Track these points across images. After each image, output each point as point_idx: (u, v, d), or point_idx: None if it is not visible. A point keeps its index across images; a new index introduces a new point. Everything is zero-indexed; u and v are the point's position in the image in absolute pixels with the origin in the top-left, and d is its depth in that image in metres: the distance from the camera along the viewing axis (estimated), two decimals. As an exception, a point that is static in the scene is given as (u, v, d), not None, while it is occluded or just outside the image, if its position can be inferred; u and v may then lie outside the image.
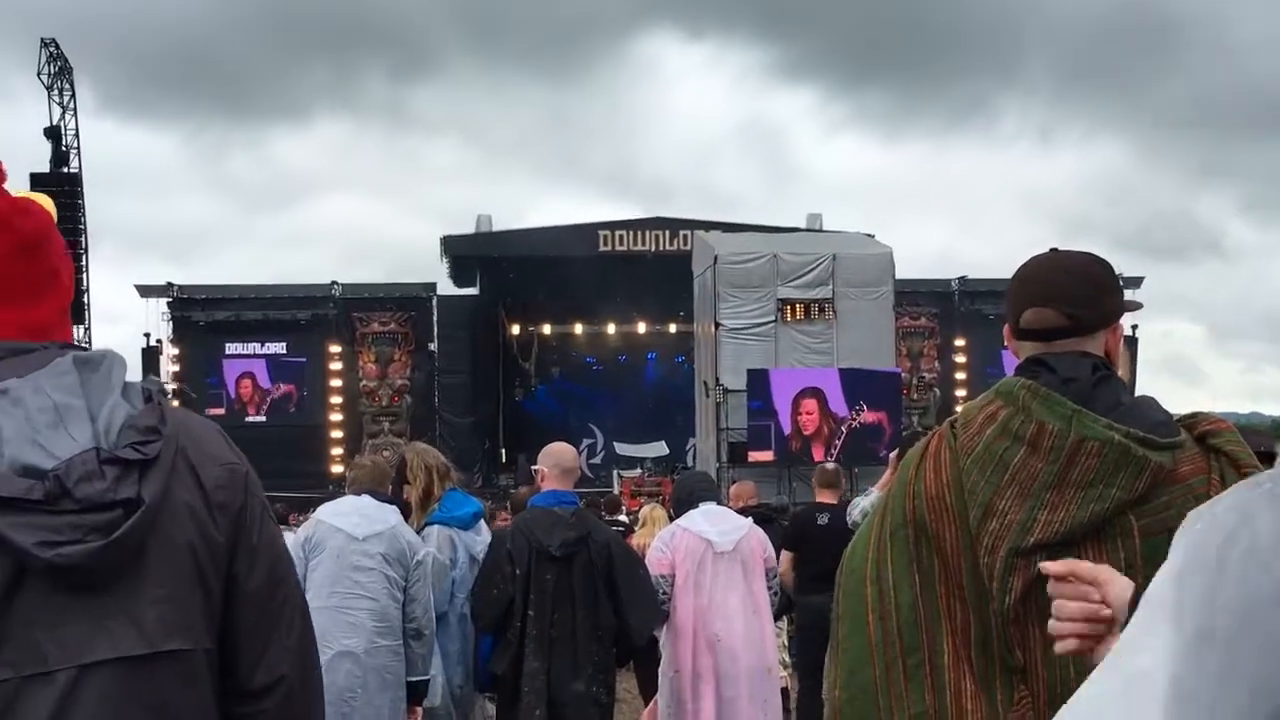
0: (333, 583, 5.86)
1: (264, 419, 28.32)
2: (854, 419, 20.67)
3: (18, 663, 1.61)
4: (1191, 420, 2.27)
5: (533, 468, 6.26)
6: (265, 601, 1.84)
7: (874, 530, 2.40)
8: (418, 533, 6.12)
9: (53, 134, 27.23)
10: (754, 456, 20.79)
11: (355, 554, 5.90)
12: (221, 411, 28.02)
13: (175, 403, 1.91)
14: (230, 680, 1.82)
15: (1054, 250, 2.48)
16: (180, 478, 1.75)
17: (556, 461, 5.93)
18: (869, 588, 2.35)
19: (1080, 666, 2.16)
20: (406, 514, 6.22)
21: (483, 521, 6.65)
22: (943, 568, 2.27)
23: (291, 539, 6.57)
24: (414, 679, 6.07)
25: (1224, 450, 2.20)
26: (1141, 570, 2.13)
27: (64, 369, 1.74)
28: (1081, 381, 2.26)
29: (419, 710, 6.13)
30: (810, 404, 20.93)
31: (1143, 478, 2.13)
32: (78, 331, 28.05)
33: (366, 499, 6.14)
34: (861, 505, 6.48)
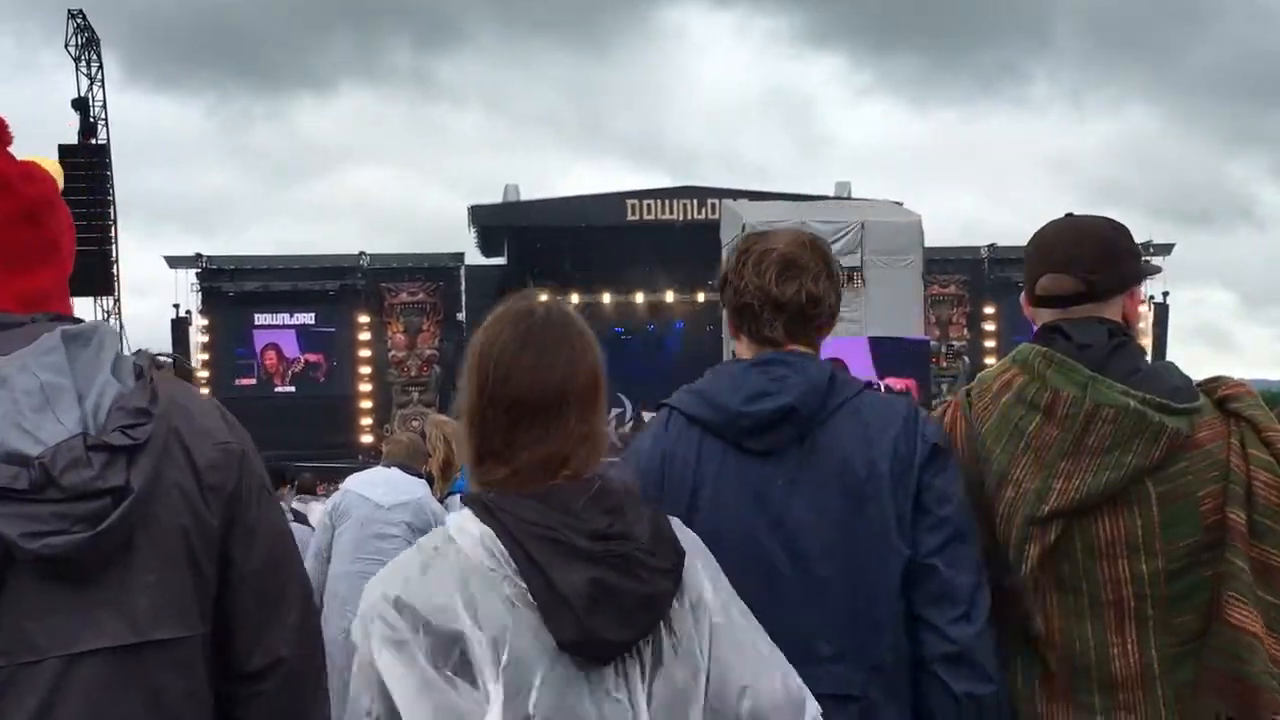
0: (356, 549, 5.94)
1: (293, 389, 28.39)
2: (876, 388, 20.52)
3: (10, 651, 1.59)
4: (1212, 385, 2.24)
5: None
6: (262, 583, 1.80)
7: None
8: (441, 502, 6.13)
9: (80, 105, 27.26)
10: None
11: (379, 522, 5.96)
12: (252, 381, 28.14)
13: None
14: (228, 661, 1.78)
15: (1070, 215, 2.45)
16: (172, 459, 1.70)
17: None
18: None
19: (1099, 635, 2.14)
20: (431, 485, 6.24)
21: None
22: None
23: (320, 508, 6.59)
24: None
25: (1244, 415, 2.18)
26: (1159, 537, 2.11)
27: (50, 345, 1.68)
28: (1097, 347, 2.24)
29: None
30: (829, 377, 20.77)
31: (1159, 444, 2.11)
32: (106, 302, 28.16)
33: (396, 471, 6.18)
34: None
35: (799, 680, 1.91)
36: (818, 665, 2.16)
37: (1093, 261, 2.34)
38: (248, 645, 1.79)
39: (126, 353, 1.80)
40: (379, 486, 6.10)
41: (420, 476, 6.31)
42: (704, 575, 1.91)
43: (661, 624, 1.84)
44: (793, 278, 2.45)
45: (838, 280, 2.52)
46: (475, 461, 1.95)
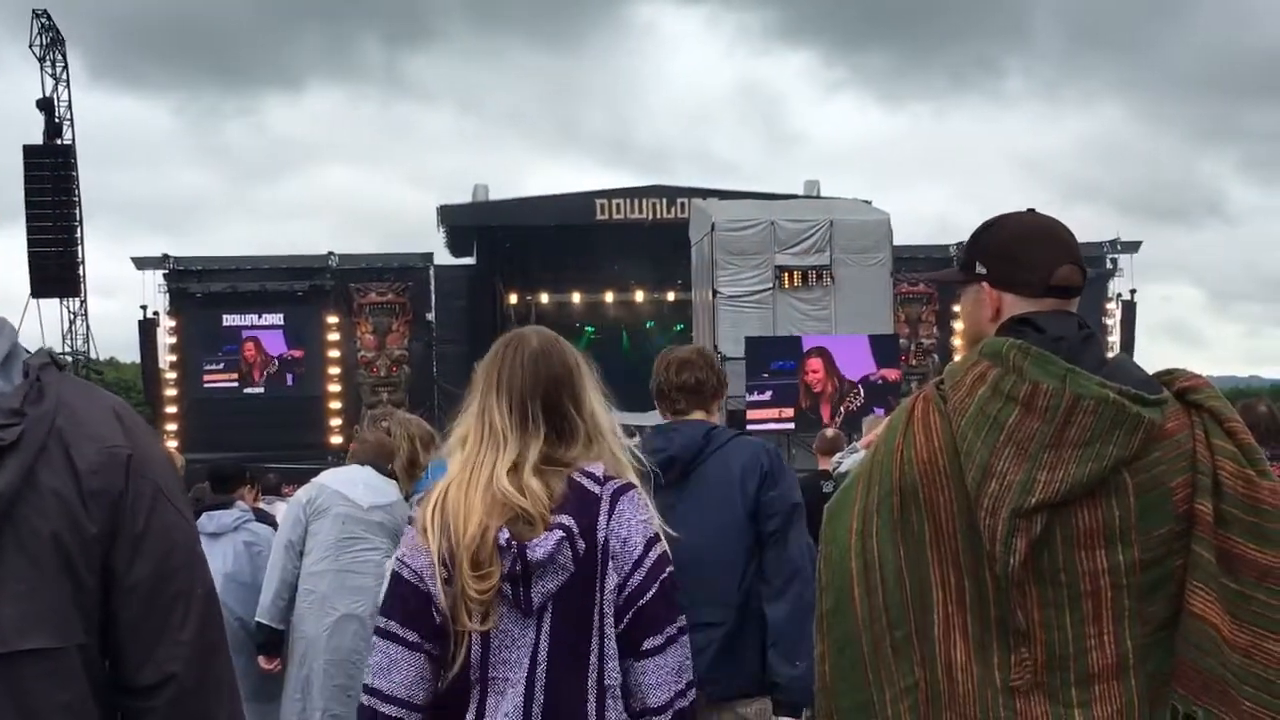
0: (337, 547, 5.95)
1: (261, 390, 28.23)
2: (877, 379, 20.73)
3: None
4: (1168, 377, 2.27)
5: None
6: (151, 596, 1.72)
7: (858, 500, 2.37)
8: (405, 500, 6.12)
9: (45, 106, 27.06)
10: (754, 415, 20.58)
11: (358, 522, 5.99)
12: (235, 378, 27.96)
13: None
14: (116, 674, 1.71)
15: (1032, 210, 2.46)
16: (50, 462, 1.63)
17: None
18: (854, 561, 2.34)
19: (1078, 627, 2.14)
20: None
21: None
22: (935, 533, 2.25)
23: (284, 503, 6.52)
24: None
25: (1205, 405, 2.21)
26: (1136, 527, 2.12)
27: None
28: (1070, 340, 2.26)
29: None
30: (815, 363, 20.92)
31: (1138, 434, 2.13)
32: (72, 303, 27.97)
33: (370, 471, 6.17)
34: (846, 463, 6.47)
35: None
36: (700, 605, 3.76)
37: (1080, 256, 2.40)
38: (137, 659, 1.71)
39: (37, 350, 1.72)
40: (357, 486, 6.07)
41: (392, 476, 6.28)
42: None
43: None
44: (685, 371, 4.38)
45: (719, 371, 4.49)
46: None
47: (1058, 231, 2.41)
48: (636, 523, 2.70)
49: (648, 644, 2.68)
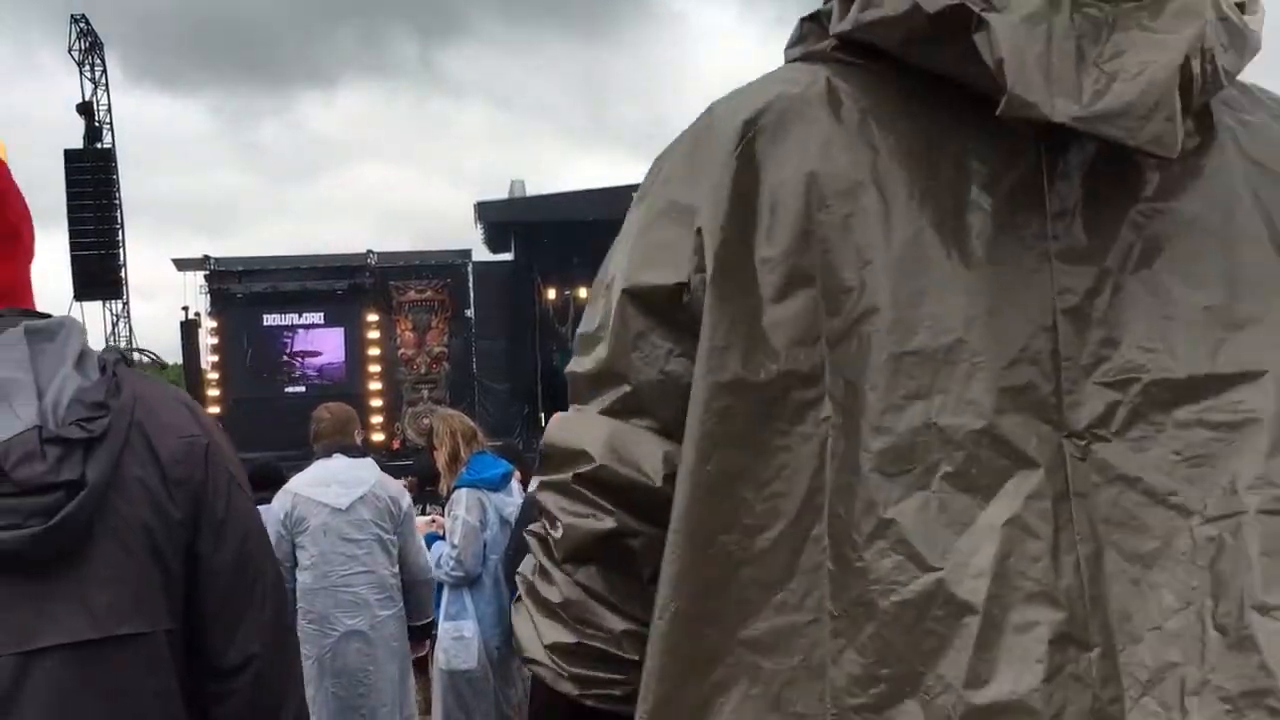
0: (326, 562, 5.81)
1: (302, 389, 28.26)
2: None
3: None
4: None
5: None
6: (233, 578, 1.76)
7: None
8: (447, 496, 6.08)
9: (85, 110, 27.26)
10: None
11: (342, 526, 5.84)
12: (265, 381, 28.06)
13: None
14: (200, 658, 1.75)
15: None
16: (134, 453, 1.66)
17: None
18: None
19: None
20: (436, 479, 6.16)
21: (515, 483, 6.57)
22: None
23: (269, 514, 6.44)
24: (418, 624, 6.06)
25: None
26: None
27: (13, 340, 1.65)
28: None
29: (425, 643, 6.21)
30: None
31: None
32: (115, 306, 28.21)
33: (339, 460, 6.02)
34: None
35: None
36: None
37: None
38: (222, 641, 1.76)
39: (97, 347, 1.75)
40: (330, 486, 5.90)
41: (361, 451, 6.20)
42: None
43: None
44: None
45: None
46: None
47: None
48: None
49: None
